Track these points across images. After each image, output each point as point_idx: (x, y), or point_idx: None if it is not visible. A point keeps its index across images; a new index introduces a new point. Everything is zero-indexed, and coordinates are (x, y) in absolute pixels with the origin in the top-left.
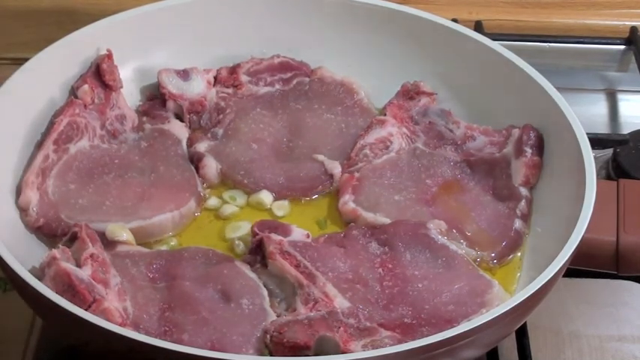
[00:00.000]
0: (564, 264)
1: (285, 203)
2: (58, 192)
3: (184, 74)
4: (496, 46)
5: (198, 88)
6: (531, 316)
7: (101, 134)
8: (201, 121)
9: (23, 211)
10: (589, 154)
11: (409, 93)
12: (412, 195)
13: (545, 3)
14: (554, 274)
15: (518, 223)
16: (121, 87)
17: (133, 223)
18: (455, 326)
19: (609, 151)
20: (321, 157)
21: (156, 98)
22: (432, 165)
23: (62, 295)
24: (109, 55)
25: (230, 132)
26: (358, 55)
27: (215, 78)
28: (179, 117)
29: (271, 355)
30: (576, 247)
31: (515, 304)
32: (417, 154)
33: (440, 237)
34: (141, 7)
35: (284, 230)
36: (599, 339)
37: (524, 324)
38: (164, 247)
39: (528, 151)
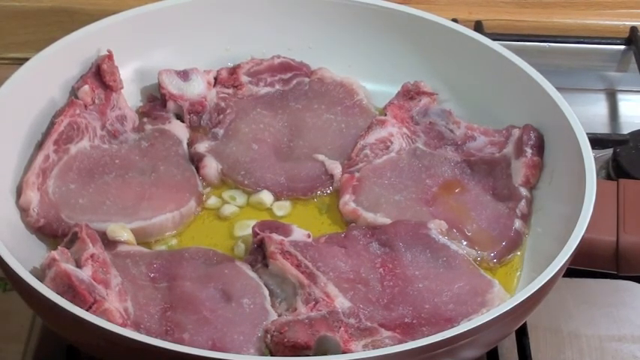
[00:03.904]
0: (564, 264)
1: (285, 203)
2: (59, 192)
3: (184, 75)
4: (496, 46)
5: (198, 88)
6: (531, 316)
7: (101, 135)
8: (202, 122)
9: (24, 211)
10: (589, 154)
11: (409, 93)
12: (412, 195)
13: (545, 3)
14: (554, 274)
15: (518, 223)
16: (122, 87)
17: (134, 223)
18: (455, 326)
19: (609, 151)
20: (321, 157)
21: (156, 99)
22: (432, 165)
23: (63, 296)
24: (110, 56)
25: (230, 132)
26: (358, 56)
27: (215, 78)
28: (179, 117)
29: (272, 355)
30: (576, 247)
31: (516, 303)
32: (418, 155)
33: (440, 237)
34: (141, 7)
35: (285, 230)
36: (599, 339)
37: (524, 324)
38: (164, 247)
39: (528, 151)
